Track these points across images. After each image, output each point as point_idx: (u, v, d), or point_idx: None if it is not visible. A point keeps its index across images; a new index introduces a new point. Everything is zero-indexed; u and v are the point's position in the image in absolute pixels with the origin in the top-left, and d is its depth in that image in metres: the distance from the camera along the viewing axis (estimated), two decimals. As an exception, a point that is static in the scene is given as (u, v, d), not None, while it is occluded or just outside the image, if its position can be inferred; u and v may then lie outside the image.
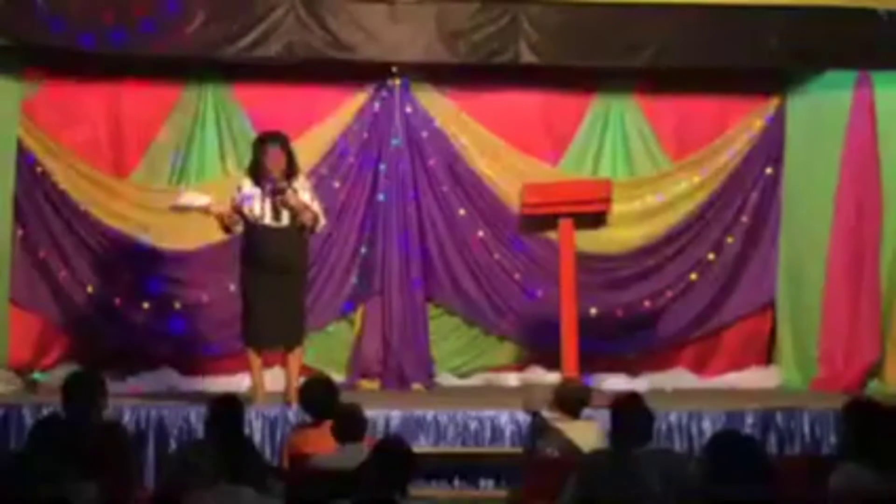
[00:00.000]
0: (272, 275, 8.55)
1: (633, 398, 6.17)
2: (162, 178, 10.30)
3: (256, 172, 8.64)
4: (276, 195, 8.52)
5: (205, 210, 8.67)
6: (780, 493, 5.05)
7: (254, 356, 8.74)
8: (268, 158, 8.59)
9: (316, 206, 8.70)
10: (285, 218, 8.57)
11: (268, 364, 9.15)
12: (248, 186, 8.62)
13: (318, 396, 7.17)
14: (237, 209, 8.61)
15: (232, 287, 9.43)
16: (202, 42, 9.53)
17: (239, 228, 8.64)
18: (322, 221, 8.78)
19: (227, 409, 6.52)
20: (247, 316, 8.70)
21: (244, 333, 8.74)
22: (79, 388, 6.27)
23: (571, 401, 7.10)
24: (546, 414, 7.12)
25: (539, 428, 7.05)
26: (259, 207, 8.56)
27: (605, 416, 6.29)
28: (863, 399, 6.31)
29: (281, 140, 8.69)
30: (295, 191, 8.58)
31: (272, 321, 8.59)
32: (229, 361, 9.81)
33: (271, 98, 10.23)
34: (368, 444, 6.31)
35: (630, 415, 6.08)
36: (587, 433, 6.76)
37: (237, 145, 10.12)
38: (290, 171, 8.64)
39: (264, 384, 8.83)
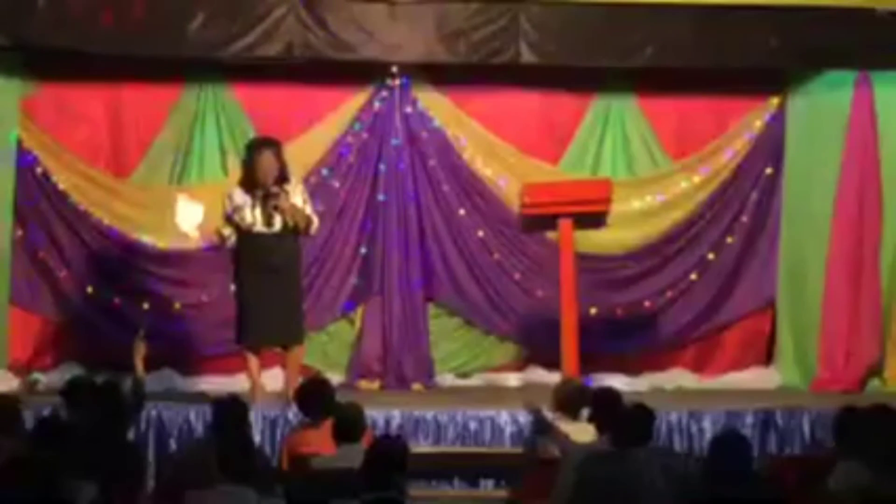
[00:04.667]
0: (267, 276, 8.56)
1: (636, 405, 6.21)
2: (162, 178, 10.29)
3: (248, 178, 8.65)
4: (269, 199, 8.53)
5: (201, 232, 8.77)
6: (780, 493, 5.06)
7: (251, 357, 8.76)
8: (260, 164, 8.61)
9: (308, 210, 8.72)
10: (277, 224, 8.59)
11: (268, 365, 9.16)
12: (238, 196, 8.65)
13: (314, 397, 7.18)
14: (229, 219, 8.63)
15: (232, 287, 9.42)
16: (202, 42, 9.54)
17: (231, 242, 8.68)
18: (315, 224, 8.82)
19: (232, 409, 6.53)
20: (243, 317, 8.73)
21: (240, 334, 8.77)
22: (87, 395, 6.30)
23: (571, 401, 7.11)
24: (546, 413, 7.13)
25: (539, 427, 7.06)
26: (251, 215, 8.59)
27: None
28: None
29: (273, 146, 8.71)
30: (287, 194, 8.59)
31: (268, 320, 8.62)
32: (229, 361, 9.79)
33: (271, 98, 10.23)
34: (367, 440, 6.32)
35: (631, 415, 6.11)
36: (587, 433, 6.76)
37: (237, 145, 10.09)
38: (282, 176, 8.64)
39: (263, 384, 8.84)
